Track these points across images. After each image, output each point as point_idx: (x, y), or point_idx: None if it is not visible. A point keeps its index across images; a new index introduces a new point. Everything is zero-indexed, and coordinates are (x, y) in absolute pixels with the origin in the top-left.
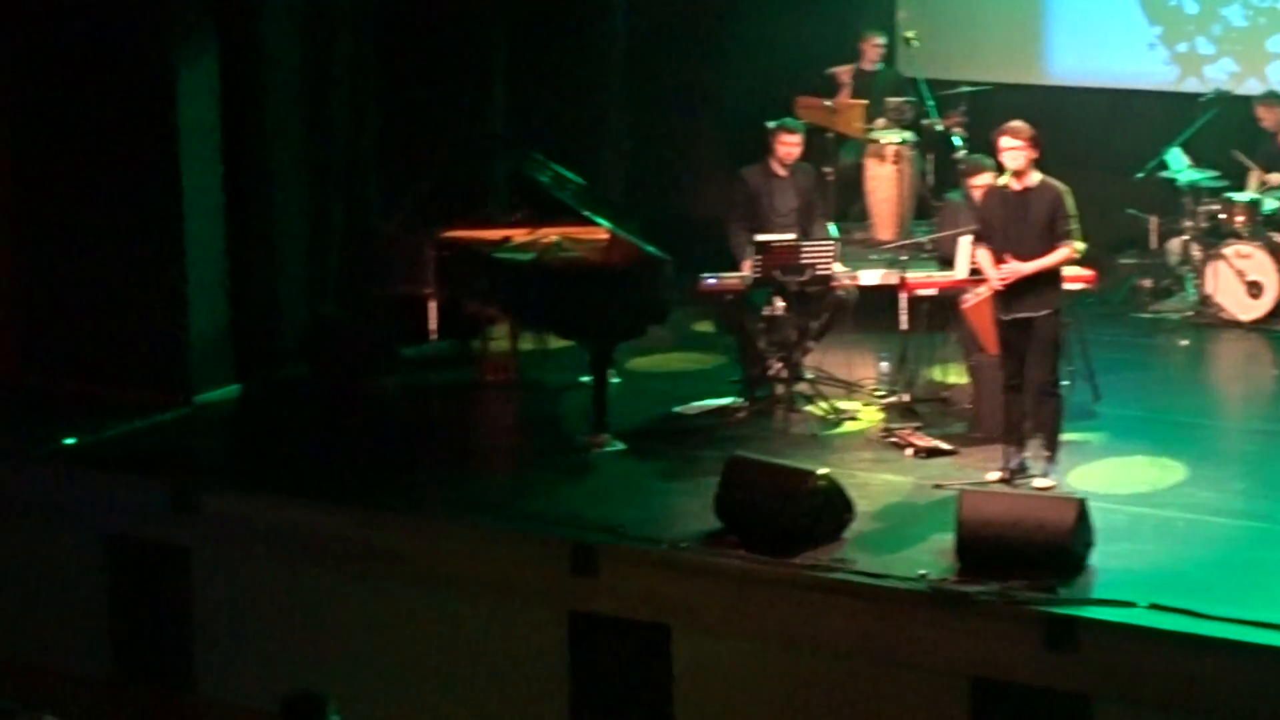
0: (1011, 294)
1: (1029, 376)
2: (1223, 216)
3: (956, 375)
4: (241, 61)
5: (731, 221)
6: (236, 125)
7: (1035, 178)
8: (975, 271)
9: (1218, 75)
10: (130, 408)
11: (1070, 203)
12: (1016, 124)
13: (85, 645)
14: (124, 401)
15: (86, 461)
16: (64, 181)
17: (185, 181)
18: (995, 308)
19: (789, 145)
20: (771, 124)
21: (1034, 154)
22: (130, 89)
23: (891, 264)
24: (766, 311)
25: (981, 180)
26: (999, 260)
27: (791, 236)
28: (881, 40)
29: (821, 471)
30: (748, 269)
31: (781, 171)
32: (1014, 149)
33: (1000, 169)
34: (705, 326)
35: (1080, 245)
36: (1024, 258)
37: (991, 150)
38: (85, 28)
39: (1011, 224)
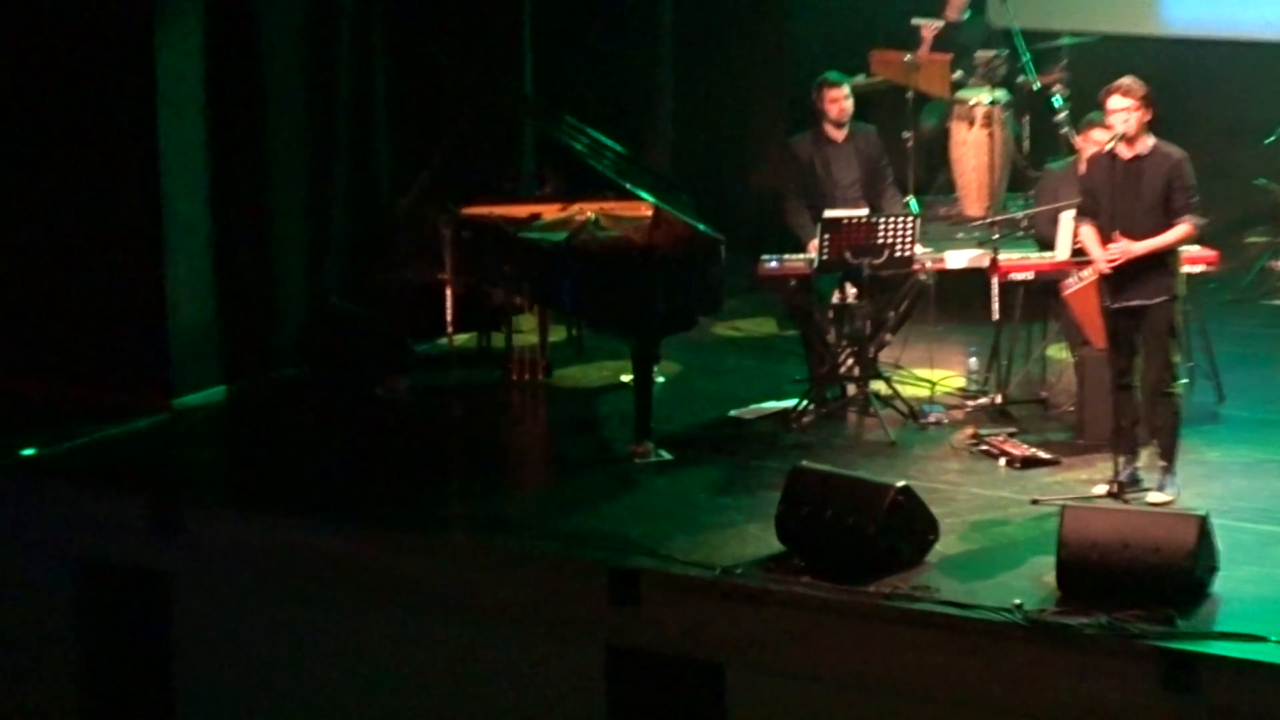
0: (1121, 278)
1: (1143, 374)
2: None
3: (1057, 372)
4: (229, 17)
5: (787, 199)
6: (224, 90)
7: (1149, 143)
8: (1079, 252)
9: None
10: (103, 413)
11: (1190, 171)
12: (1127, 81)
13: (51, 683)
14: (96, 406)
15: (53, 474)
16: (28, 158)
17: (165, 155)
18: (1102, 294)
19: (837, 100)
20: (814, 85)
21: (1148, 116)
22: (103, 53)
23: (982, 244)
24: (836, 299)
25: (1101, 136)
26: (1106, 239)
27: (862, 213)
28: None
29: (900, 484)
30: (813, 250)
31: (837, 136)
32: (1124, 110)
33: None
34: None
35: (1201, 221)
36: (1135, 236)
37: (1100, 111)
38: None
39: (1120, 196)
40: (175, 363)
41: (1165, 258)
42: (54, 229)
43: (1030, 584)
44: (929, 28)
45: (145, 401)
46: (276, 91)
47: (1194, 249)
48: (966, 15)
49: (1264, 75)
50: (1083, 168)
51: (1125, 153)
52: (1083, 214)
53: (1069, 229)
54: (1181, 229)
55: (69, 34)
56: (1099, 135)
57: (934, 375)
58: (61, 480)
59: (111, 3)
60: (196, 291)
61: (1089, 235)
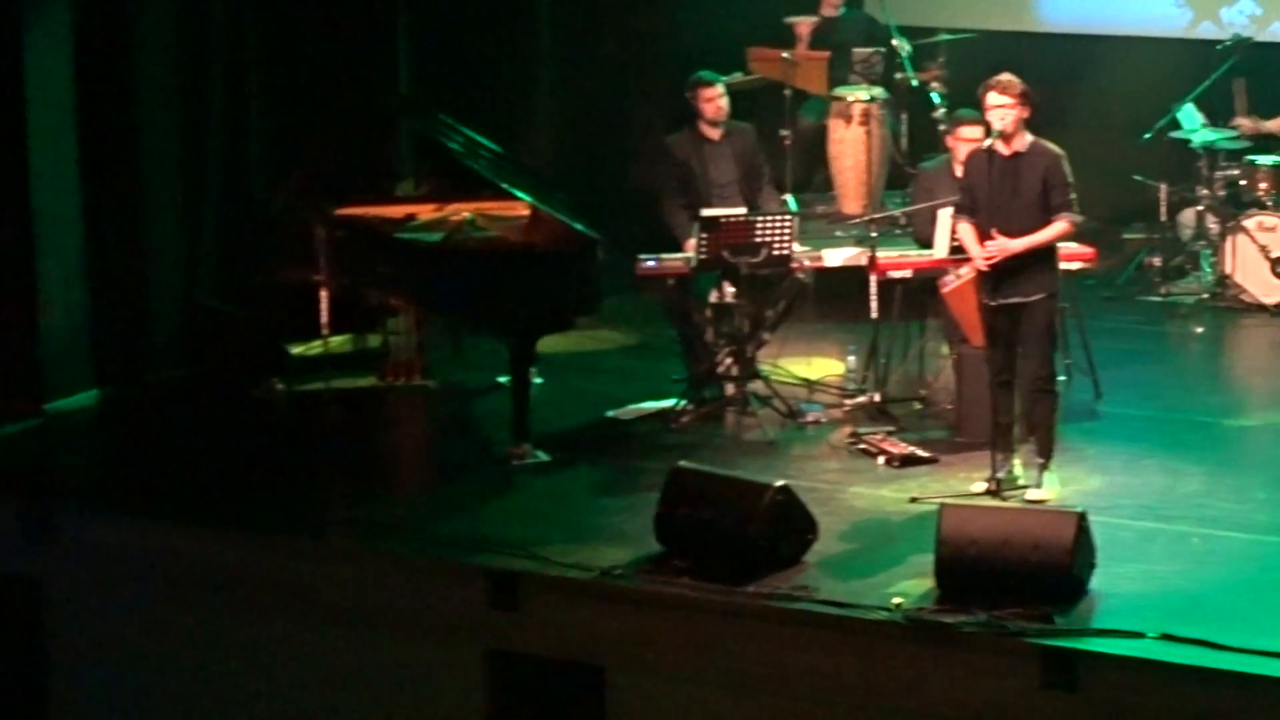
0: (1000, 275)
1: (1021, 371)
2: (1243, 183)
3: (936, 370)
4: (100, 15)
5: (664, 199)
6: (95, 90)
7: (1026, 140)
8: (957, 250)
9: (1236, 18)
10: None
11: (1067, 169)
12: (1005, 78)
13: None
14: None
15: None
16: None
17: (34, 155)
18: (981, 292)
19: (712, 99)
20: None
21: (1025, 113)
22: None
23: (860, 242)
24: (714, 299)
25: (970, 134)
26: (985, 236)
27: (740, 211)
28: None
29: (779, 484)
30: (691, 249)
31: (714, 134)
32: (1002, 106)
33: (987, 129)
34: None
35: (1078, 218)
36: (1013, 233)
37: (978, 108)
38: None
39: (998, 194)
40: (46, 366)
41: (1044, 255)
42: None
43: (910, 583)
44: (804, 24)
45: (15, 406)
46: (148, 91)
47: (1071, 246)
48: (842, 11)
49: (1141, 71)
50: (956, 166)
51: (1003, 150)
52: (961, 211)
53: (946, 227)
54: (1059, 226)
55: None
56: (967, 132)
57: (815, 369)
58: None
59: None
60: (68, 293)
61: (967, 233)
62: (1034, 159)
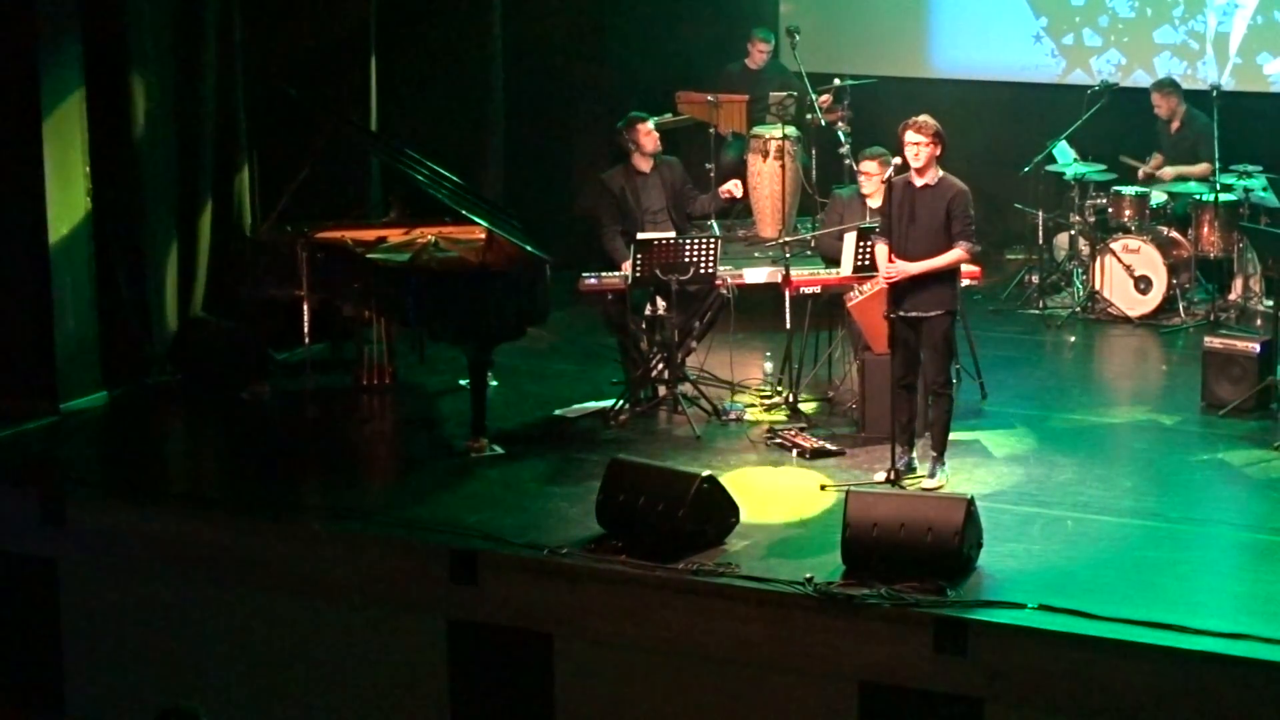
0: (904, 291)
1: (923, 376)
2: (1110, 210)
3: (842, 374)
4: (108, 60)
5: (604, 228)
6: (103, 125)
7: (937, 174)
8: (860, 269)
9: (1105, 67)
10: None
11: (968, 202)
12: (921, 119)
13: None
14: None
15: None
16: None
17: (50, 184)
18: (887, 305)
19: (649, 133)
20: (620, 124)
21: (937, 150)
22: None
23: (775, 261)
24: (648, 312)
25: (867, 168)
26: (900, 256)
27: (670, 235)
28: (769, 44)
29: (705, 474)
30: (627, 269)
31: (645, 167)
32: (915, 144)
33: (900, 165)
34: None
35: (975, 247)
36: (914, 255)
37: (877, 143)
38: None
39: (907, 219)
40: (61, 370)
41: (945, 276)
42: None
43: (819, 560)
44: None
45: (34, 405)
46: (149, 127)
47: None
48: (765, 65)
49: (1020, 112)
50: (866, 195)
51: (917, 181)
52: (880, 233)
53: (852, 248)
54: (955, 253)
55: None
56: (866, 166)
57: (735, 377)
58: None
59: (1, 49)
60: (79, 307)
61: (881, 252)
62: (941, 191)
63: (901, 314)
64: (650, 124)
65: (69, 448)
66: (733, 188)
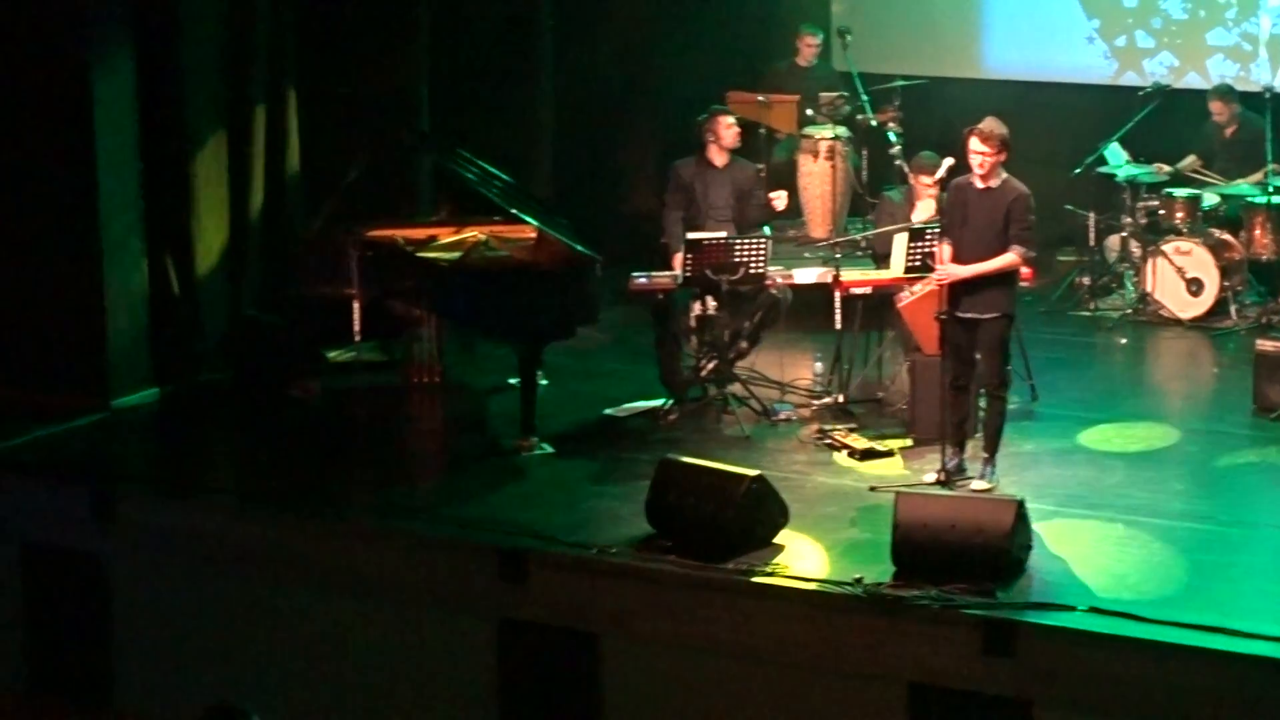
0: (961, 292)
1: (978, 378)
2: (1162, 212)
3: (892, 375)
4: (159, 60)
5: (668, 211)
6: (154, 123)
7: (1001, 177)
8: (911, 269)
9: (1157, 69)
10: (47, 412)
11: (1028, 207)
12: (988, 127)
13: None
14: (40, 406)
15: (1, 468)
16: None
17: (101, 182)
18: (942, 305)
19: (730, 126)
20: (701, 117)
21: (1001, 158)
22: (44, 86)
23: (825, 262)
24: (697, 311)
25: (925, 180)
26: (954, 257)
27: (722, 235)
28: (817, 40)
29: (754, 474)
30: (678, 266)
31: (719, 162)
32: (979, 153)
33: (947, 175)
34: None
35: (1029, 252)
36: (967, 257)
37: (928, 147)
38: None
39: (965, 222)
40: (112, 367)
41: (1002, 279)
42: (2, 250)
43: (869, 561)
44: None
45: (86, 402)
46: (200, 125)
47: None
48: (815, 62)
49: (1072, 113)
50: (916, 198)
51: (979, 184)
52: (941, 234)
53: (903, 248)
54: (1008, 257)
55: (17, 77)
56: (924, 179)
57: (784, 378)
58: (9, 473)
59: (51, 43)
60: (131, 304)
61: (941, 253)
62: (1002, 194)
63: (958, 315)
64: (732, 118)
65: (119, 444)
66: (776, 199)
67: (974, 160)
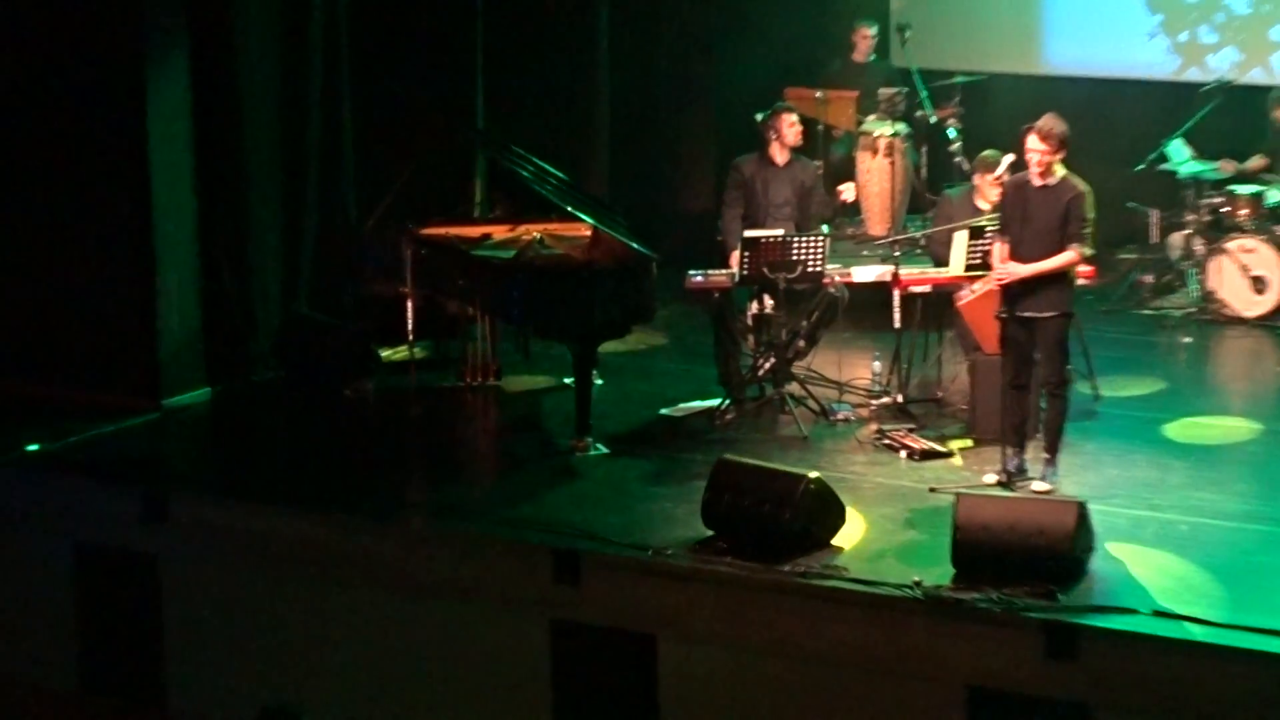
0: (1019, 292)
1: (1039, 377)
2: (1226, 210)
3: (952, 374)
4: (214, 57)
5: (727, 207)
6: (208, 122)
7: (1059, 174)
8: (970, 268)
9: (1220, 65)
10: (98, 412)
11: (1087, 205)
12: (1046, 125)
13: (52, 656)
14: (92, 406)
15: (54, 468)
16: (30, 181)
17: (155, 181)
18: (1000, 304)
19: (794, 124)
20: (764, 114)
21: (1058, 157)
22: (99, 86)
23: (884, 260)
24: (754, 310)
25: (989, 179)
26: (1011, 256)
27: (779, 232)
28: (872, 31)
29: (813, 475)
30: (735, 264)
31: (780, 160)
32: (1036, 150)
33: (1012, 166)
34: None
35: (1088, 250)
36: (1027, 256)
37: (990, 144)
38: (53, 25)
39: (1023, 219)
40: (164, 367)
41: (1059, 277)
42: (57, 250)
43: (928, 563)
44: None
45: (138, 402)
46: (254, 124)
47: None
48: (872, 58)
49: (1134, 110)
50: (977, 197)
51: (1037, 181)
52: (999, 232)
53: (963, 246)
54: (1067, 255)
55: (73, 79)
56: (987, 177)
57: (842, 377)
58: (62, 472)
59: (106, 41)
60: (183, 303)
61: (997, 251)
62: (1060, 191)
63: (1016, 314)
64: (795, 116)
65: (171, 444)
66: (846, 191)
67: (1031, 158)
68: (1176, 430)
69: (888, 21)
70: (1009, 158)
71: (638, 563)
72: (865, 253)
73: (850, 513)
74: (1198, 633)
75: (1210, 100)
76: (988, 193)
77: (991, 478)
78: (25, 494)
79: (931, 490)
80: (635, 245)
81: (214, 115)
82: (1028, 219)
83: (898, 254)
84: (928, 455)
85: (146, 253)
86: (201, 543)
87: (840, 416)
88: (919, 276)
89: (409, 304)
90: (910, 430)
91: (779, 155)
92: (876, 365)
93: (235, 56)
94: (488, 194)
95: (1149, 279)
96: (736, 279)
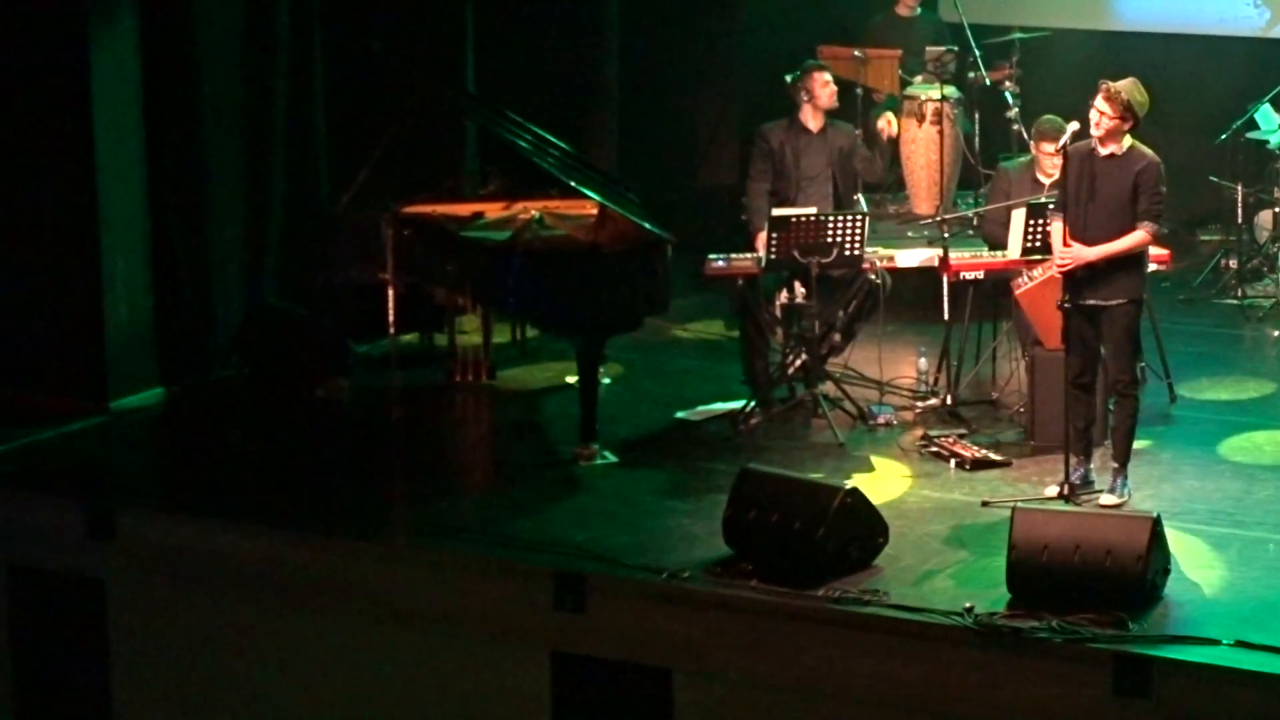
0: (1082, 277)
1: (1106, 375)
2: None
3: (1007, 372)
4: (165, 16)
5: (752, 181)
6: (160, 90)
7: (1125, 144)
8: (1030, 251)
9: None
10: (37, 415)
11: (1159, 177)
12: (1118, 87)
13: None
14: (29, 408)
15: None
16: None
17: (99, 149)
18: (1060, 293)
19: (827, 84)
20: (794, 74)
21: (1125, 126)
22: (37, 52)
23: (931, 242)
24: (783, 299)
25: (1048, 148)
26: (1073, 235)
27: (813, 211)
28: None
29: (849, 487)
30: (761, 246)
31: (813, 126)
32: (1100, 111)
33: (1077, 134)
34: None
35: (1159, 229)
36: (1092, 236)
37: (1051, 111)
38: None
39: (1086, 194)
40: (111, 363)
41: (1129, 260)
42: None
43: (981, 588)
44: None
45: (81, 403)
46: (213, 91)
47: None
48: (918, 12)
49: (1217, 71)
50: (1037, 170)
51: (1101, 150)
52: (1056, 210)
53: (1020, 227)
54: (1138, 235)
55: (6, 41)
56: (1046, 147)
57: (884, 376)
58: None
59: (47, 5)
60: (133, 292)
61: (1057, 232)
62: (1128, 163)
63: (1079, 303)
64: (829, 75)
65: (120, 452)
66: (885, 124)
67: (1093, 117)
68: (1264, 437)
69: None
70: (1073, 126)
71: (650, 587)
72: (910, 234)
73: (892, 530)
74: None
75: None
76: (1048, 165)
77: (1053, 490)
78: None
79: (984, 504)
80: (648, 226)
81: (167, 77)
82: (1092, 195)
83: (946, 235)
84: (980, 464)
85: (90, 232)
86: (153, 563)
87: (881, 420)
88: (971, 261)
89: (390, 292)
90: (960, 436)
91: (812, 120)
92: (922, 362)
93: (190, 18)
94: (480, 167)
95: (1233, 264)
96: (764, 264)
